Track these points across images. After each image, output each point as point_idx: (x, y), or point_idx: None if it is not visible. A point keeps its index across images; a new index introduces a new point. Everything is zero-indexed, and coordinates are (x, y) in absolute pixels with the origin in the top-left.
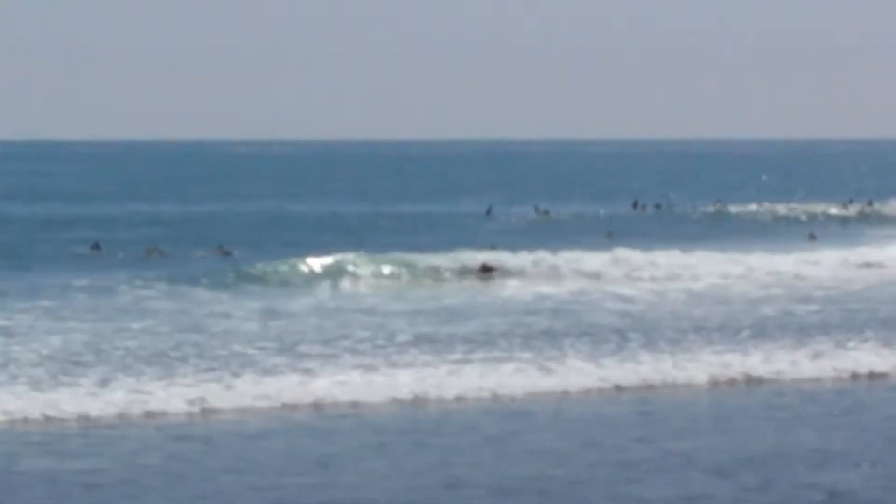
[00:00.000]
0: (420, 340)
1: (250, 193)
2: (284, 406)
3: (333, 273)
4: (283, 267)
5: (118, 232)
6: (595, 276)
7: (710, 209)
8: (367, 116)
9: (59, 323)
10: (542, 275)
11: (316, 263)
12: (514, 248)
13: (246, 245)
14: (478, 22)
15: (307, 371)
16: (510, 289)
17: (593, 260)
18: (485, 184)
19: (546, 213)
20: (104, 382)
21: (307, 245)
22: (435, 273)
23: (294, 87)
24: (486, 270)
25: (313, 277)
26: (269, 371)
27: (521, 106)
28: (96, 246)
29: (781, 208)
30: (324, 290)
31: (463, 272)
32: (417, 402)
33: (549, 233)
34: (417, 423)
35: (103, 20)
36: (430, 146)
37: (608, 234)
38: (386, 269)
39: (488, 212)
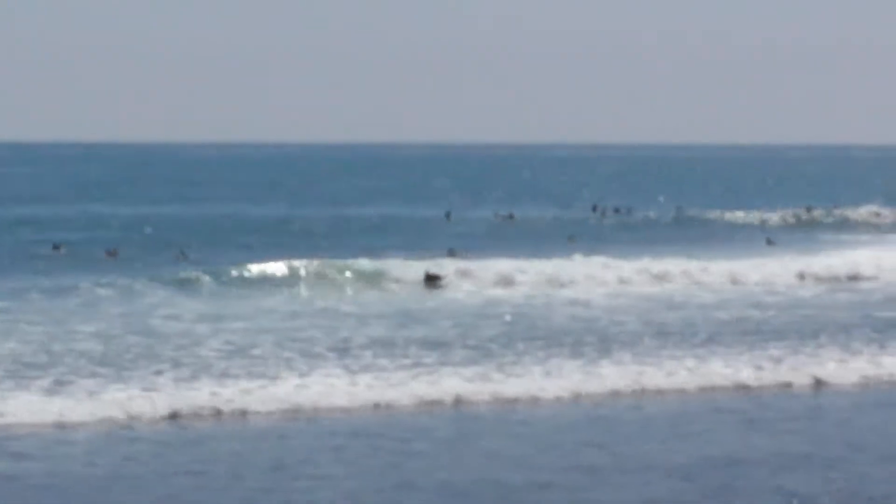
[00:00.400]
0: (374, 344)
1: (211, 196)
2: (241, 411)
3: (288, 277)
4: (237, 271)
5: (77, 234)
6: (554, 280)
7: (671, 214)
8: (337, 119)
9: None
10: (497, 279)
11: (269, 268)
12: (473, 251)
13: (203, 248)
14: (451, 24)
15: (262, 375)
16: (463, 293)
17: (551, 265)
18: (445, 188)
19: (510, 216)
20: (57, 385)
21: (264, 249)
22: (385, 278)
23: (264, 90)
24: (431, 279)
25: (266, 282)
26: (225, 374)
27: (489, 110)
28: (57, 247)
29: (740, 214)
30: (278, 294)
31: (414, 278)
32: (377, 407)
33: (510, 236)
34: (373, 427)
35: (61, 18)
36: (400, 149)
37: (570, 238)
38: (338, 274)
39: (447, 216)
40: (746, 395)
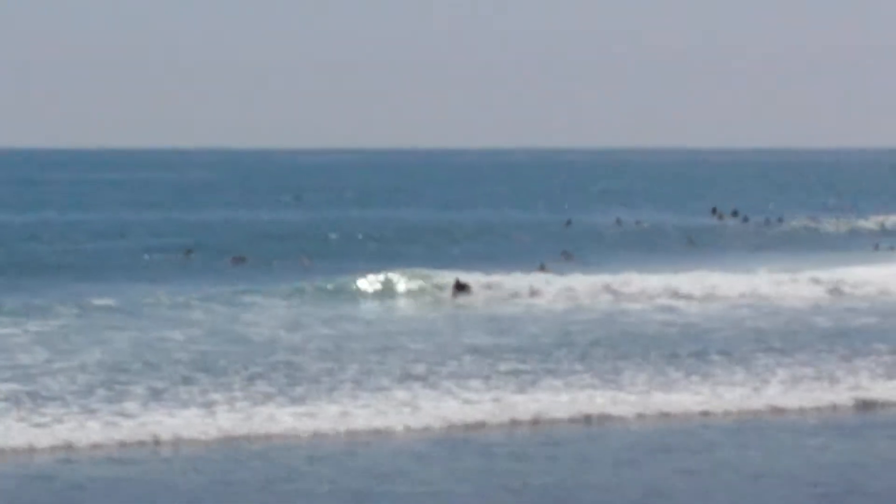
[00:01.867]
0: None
1: (336, 200)
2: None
3: (386, 290)
4: (368, 280)
5: (209, 238)
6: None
7: (796, 222)
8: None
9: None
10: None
11: (385, 278)
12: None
13: (329, 256)
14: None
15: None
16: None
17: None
18: (554, 192)
19: (637, 223)
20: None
21: (386, 257)
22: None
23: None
24: (459, 288)
25: (384, 294)
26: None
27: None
28: (188, 252)
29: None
30: (371, 306)
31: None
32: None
33: (631, 243)
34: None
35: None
36: (501, 154)
37: (689, 241)
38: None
39: (567, 223)
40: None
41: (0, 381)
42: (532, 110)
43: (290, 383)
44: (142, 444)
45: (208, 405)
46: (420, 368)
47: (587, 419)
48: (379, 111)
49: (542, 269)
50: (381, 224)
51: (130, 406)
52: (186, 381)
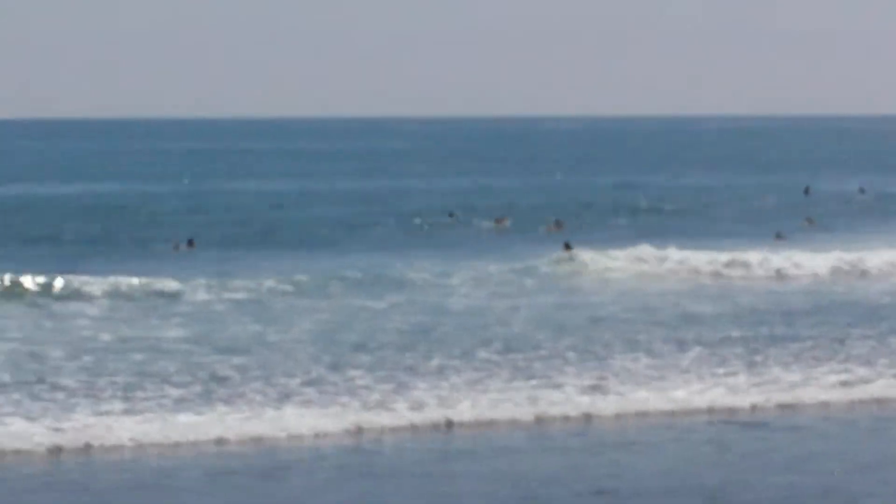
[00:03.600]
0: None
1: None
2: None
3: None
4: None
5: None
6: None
7: None
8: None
9: None
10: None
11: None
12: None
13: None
14: None
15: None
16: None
17: None
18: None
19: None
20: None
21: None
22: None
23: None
24: (567, 248)
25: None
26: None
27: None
28: (451, 215)
29: None
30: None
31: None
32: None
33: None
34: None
35: None
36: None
37: None
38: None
39: (806, 191)
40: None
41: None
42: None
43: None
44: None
45: None
46: None
47: None
48: None
49: (779, 237)
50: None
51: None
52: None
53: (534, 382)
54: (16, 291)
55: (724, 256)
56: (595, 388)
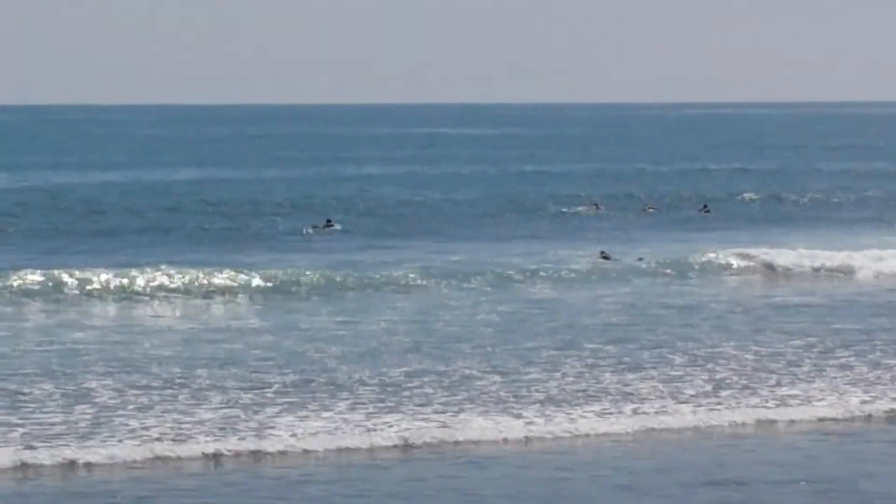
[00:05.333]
0: None
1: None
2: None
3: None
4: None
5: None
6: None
7: None
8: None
9: None
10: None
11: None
12: None
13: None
14: None
15: None
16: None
17: None
18: None
19: None
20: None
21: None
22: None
23: None
24: (604, 258)
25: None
26: None
27: None
28: (596, 205)
29: None
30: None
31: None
32: None
33: None
34: None
35: None
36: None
37: None
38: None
39: None
40: None
41: None
42: None
43: None
44: None
45: None
46: None
47: None
48: None
49: None
50: None
51: None
52: None
53: None
54: (258, 288)
55: None
56: None
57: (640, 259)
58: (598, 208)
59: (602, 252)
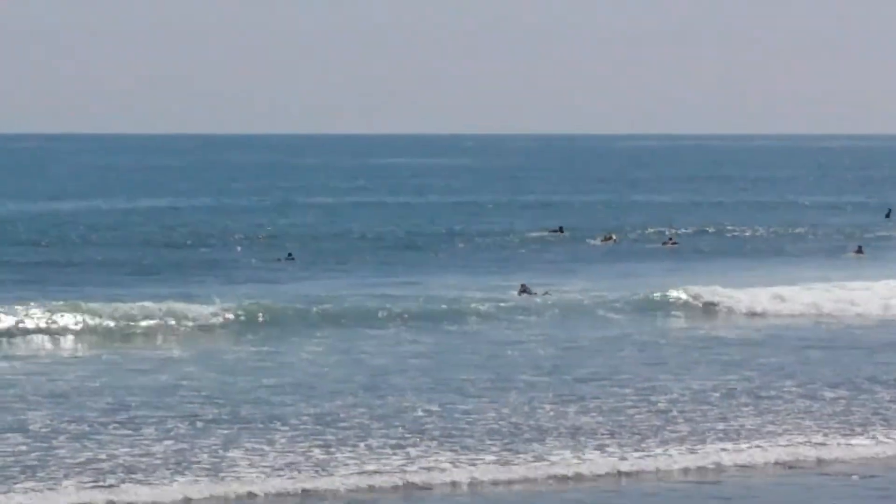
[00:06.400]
0: None
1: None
2: None
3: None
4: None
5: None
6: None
7: None
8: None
9: None
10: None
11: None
12: None
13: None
14: None
15: None
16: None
17: None
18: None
19: None
20: None
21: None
22: None
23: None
24: (524, 290)
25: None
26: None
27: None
28: (559, 230)
29: None
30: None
31: None
32: None
33: None
34: None
35: None
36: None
37: None
38: None
39: (887, 215)
40: None
41: None
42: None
43: None
44: None
45: None
46: None
47: None
48: None
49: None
50: None
51: None
52: None
53: None
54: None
55: None
56: None
57: (547, 293)
58: (611, 239)
59: (522, 285)
